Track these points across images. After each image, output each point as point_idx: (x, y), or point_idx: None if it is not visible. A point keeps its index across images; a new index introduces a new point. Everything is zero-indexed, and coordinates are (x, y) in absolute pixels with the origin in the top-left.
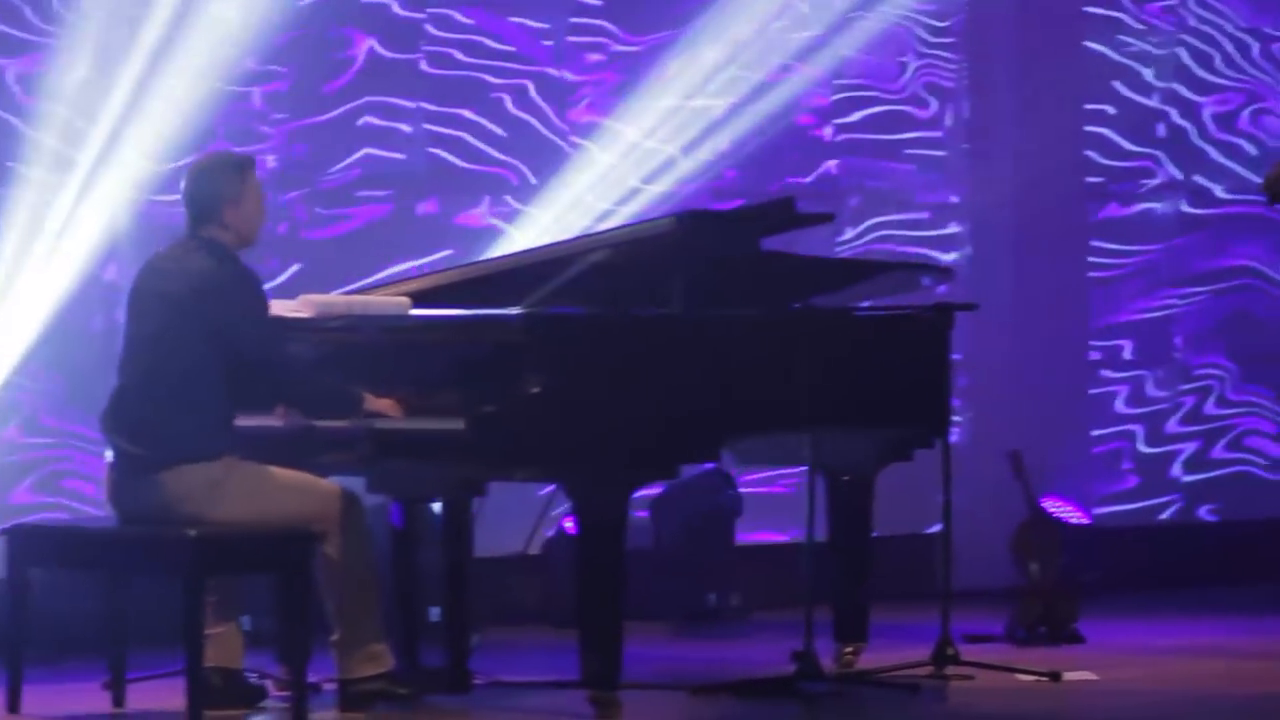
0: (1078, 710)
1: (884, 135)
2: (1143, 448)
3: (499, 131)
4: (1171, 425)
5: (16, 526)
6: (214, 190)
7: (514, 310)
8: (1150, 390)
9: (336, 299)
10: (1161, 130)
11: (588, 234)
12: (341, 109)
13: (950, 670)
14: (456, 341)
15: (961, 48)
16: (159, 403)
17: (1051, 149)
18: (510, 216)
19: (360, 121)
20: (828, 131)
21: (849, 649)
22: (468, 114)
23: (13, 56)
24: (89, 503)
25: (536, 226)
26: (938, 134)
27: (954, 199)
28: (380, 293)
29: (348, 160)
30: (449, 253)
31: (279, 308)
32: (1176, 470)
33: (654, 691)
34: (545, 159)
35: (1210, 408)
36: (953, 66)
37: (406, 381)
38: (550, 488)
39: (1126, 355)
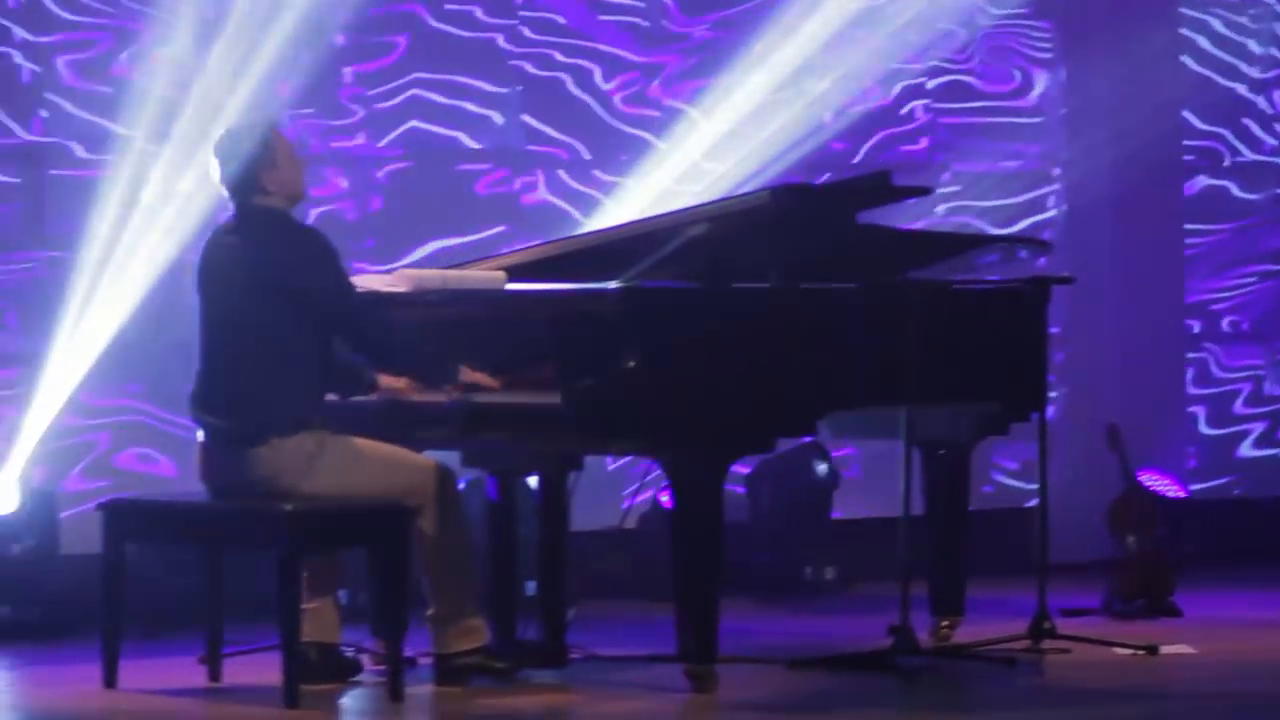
0: (1175, 684)
1: (977, 105)
2: (1206, 429)
3: (565, 109)
4: (1239, 406)
5: (113, 501)
6: (247, 163)
7: (611, 284)
8: (1215, 370)
9: (432, 273)
10: (1259, 104)
11: (683, 208)
12: (401, 83)
13: (1047, 644)
14: (553, 315)
15: (1053, 16)
16: (245, 377)
17: (1147, 122)
18: (572, 197)
19: (419, 97)
20: (919, 106)
21: (945, 623)
22: (531, 92)
23: (111, 29)
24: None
25: (617, 208)
26: (1032, 105)
27: (1055, 171)
28: (476, 267)
29: (394, 134)
30: (502, 229)
31: (375, 282)
32: (1245, 449)
33: (750, 665)
34: (616, 139)
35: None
36: (1047, 38)
37: (502, 356)
38: (646, 462)
39: (1197, 331)
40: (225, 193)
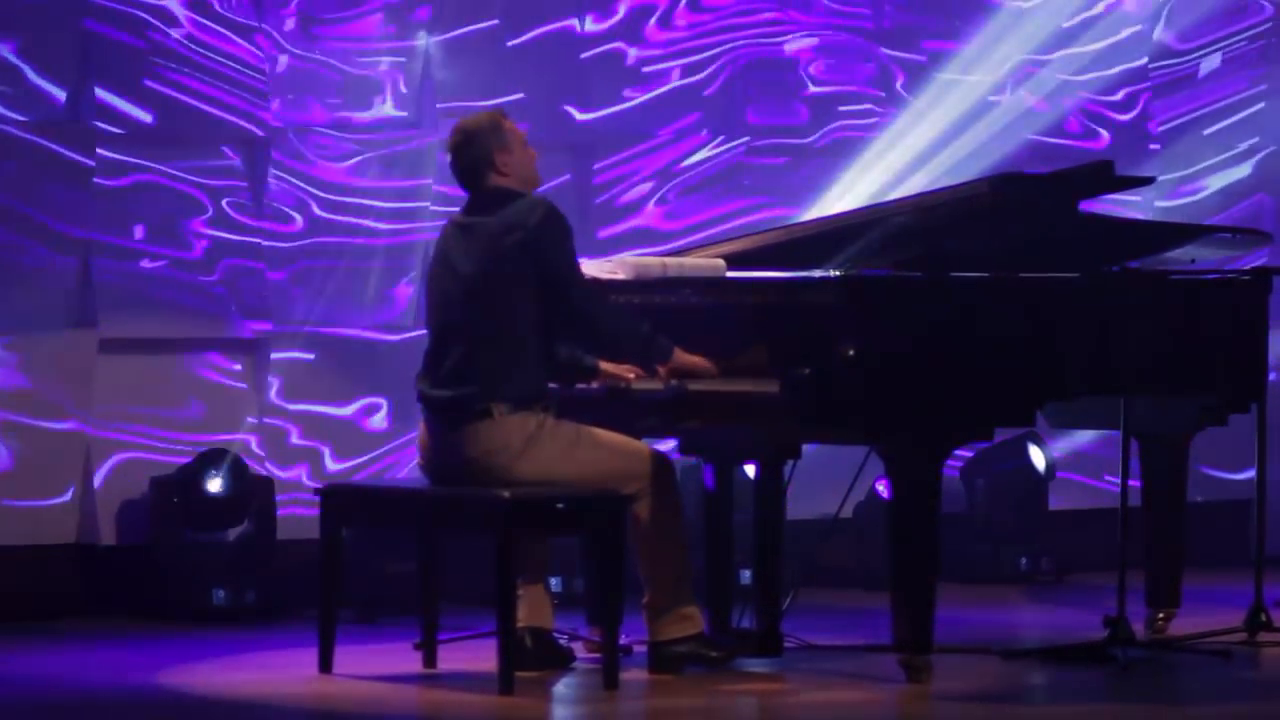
0: None
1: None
2: None
3: None
4: None
5: (331, 487)
6: (481, 146)
7: (831, 272)
8: None
9: (652, 260)
10: None
11: (901, 197)
12: None
13: (1263, 637)
14: (772, 303)
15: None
16: (474, 353)
17: None
18: None
19: None
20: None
21: (1161, 614)
22: None
23: None
24: None
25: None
26: (1256, 91)
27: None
28: (695, 254)
29: None
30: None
31: (595, 269)
32: None
33: (964, 655)
34: None
35: None
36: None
37: (721, 343)
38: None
39: None
40: (461, 183)
